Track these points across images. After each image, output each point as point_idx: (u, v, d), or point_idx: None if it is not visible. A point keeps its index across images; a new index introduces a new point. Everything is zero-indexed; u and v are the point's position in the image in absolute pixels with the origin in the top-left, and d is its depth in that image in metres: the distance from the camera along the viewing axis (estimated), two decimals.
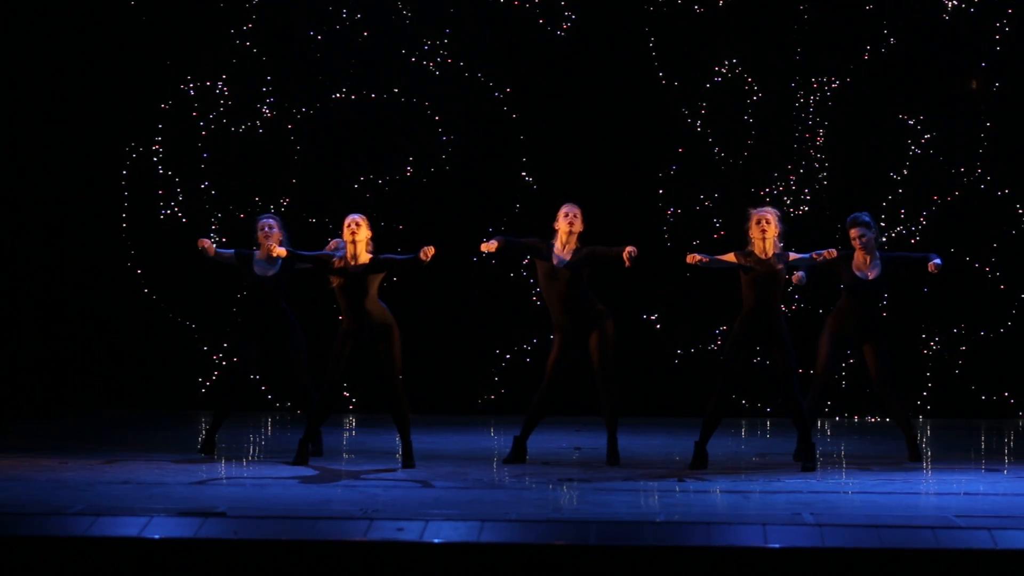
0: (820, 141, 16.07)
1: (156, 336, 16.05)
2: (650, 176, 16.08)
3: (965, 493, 9.80)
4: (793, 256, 11.04)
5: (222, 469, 10.81)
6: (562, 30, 16.18)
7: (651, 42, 16.15)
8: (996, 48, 16.03)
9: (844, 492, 9.79)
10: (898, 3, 16.09)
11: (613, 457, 11.26)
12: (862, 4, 16.04)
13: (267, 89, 16.14)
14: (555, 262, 11.26)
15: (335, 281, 11.07)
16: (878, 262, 11.61)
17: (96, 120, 15.92)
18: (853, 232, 11.63)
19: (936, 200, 16.04)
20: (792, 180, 16.05)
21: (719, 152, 16.10)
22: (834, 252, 11.15)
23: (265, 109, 16.14)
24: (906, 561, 7.32)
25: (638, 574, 7.35)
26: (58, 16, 15.66)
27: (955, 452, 12.67)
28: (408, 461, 10.99)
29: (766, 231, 10.91)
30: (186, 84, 16.08)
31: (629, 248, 11.16)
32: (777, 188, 16.01)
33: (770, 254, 10.91)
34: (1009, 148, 16.05)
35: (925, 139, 16.04)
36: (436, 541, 7.46)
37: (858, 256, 11.63)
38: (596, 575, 7.37)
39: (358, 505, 8.65)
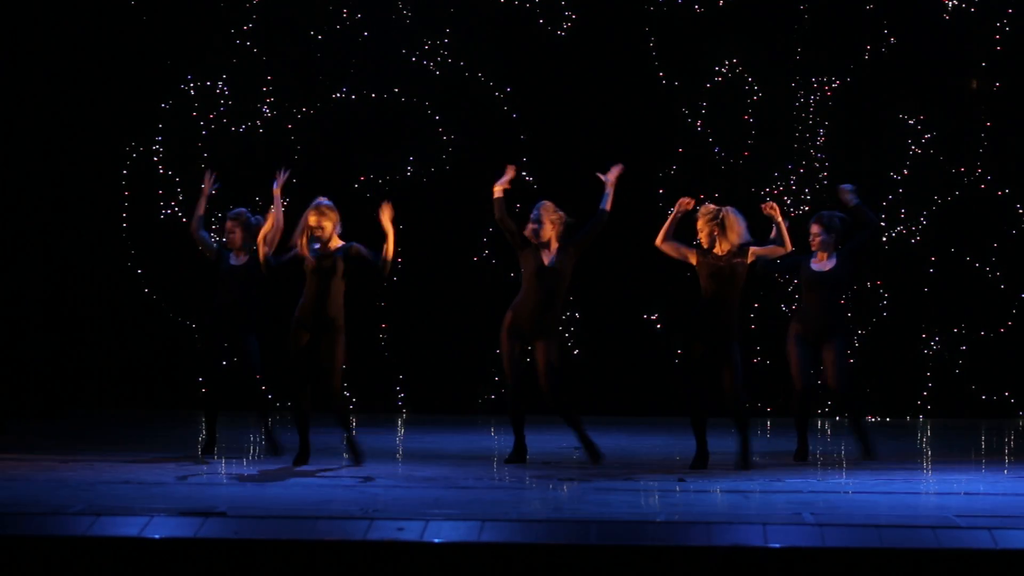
0: (820, 141, 16.07)
1: (156, 336, 16.06)
2: (650, 176, 16.08)
3: (965, 493, 9.80)
4: (756, 249, 10.92)
5: (222, 469, 10.81)
6: (562, 30, 16.18)
7: (651, 42, 16.15)
8: (996, 48, 16.03)
9: (844, 492, 9.79)
10: (898, 3, 16.09)
11: (595, 457, 11.17)
12: (862, 4, 16.04)
13: (267, 89, 16.14)
14: (545, 260, 11.15)
15: (309, 263, 10.88)
16: (835, 257, 11.55)
17: (96, 120, 15.92)
18: (812, 228, 11.59)
19: (936, 200, 16.05)
20: (792, 180, 16.04)
21: (719, 152, 16.10)
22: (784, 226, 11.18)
23: (265, 109, 16.14)
24: (906, 561, 7.32)
25: (638, 574, 7.34)
26: (58, 16, 15.66)
27: (955, 452, 12.67)
28: (357, 459, 10.93)
29: (717, 242, 10.84)
30: (186, 84, 16.08)
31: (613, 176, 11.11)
32: (777, 188, 16.01)
33: (725, 251, 10.85)
34: (1009, 148, 16.05)
35: (925, 139, 16.05)
36: (436, 541, 7.45)
37: (818, 253, 11.58)
38: (596, 575, 7.36)
39: (358, 505, 8.65)
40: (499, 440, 13.34)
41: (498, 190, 11.27)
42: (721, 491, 9.70)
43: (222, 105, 16.12)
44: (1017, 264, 16.00)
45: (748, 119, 16.08)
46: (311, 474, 10.43)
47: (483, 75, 16.17)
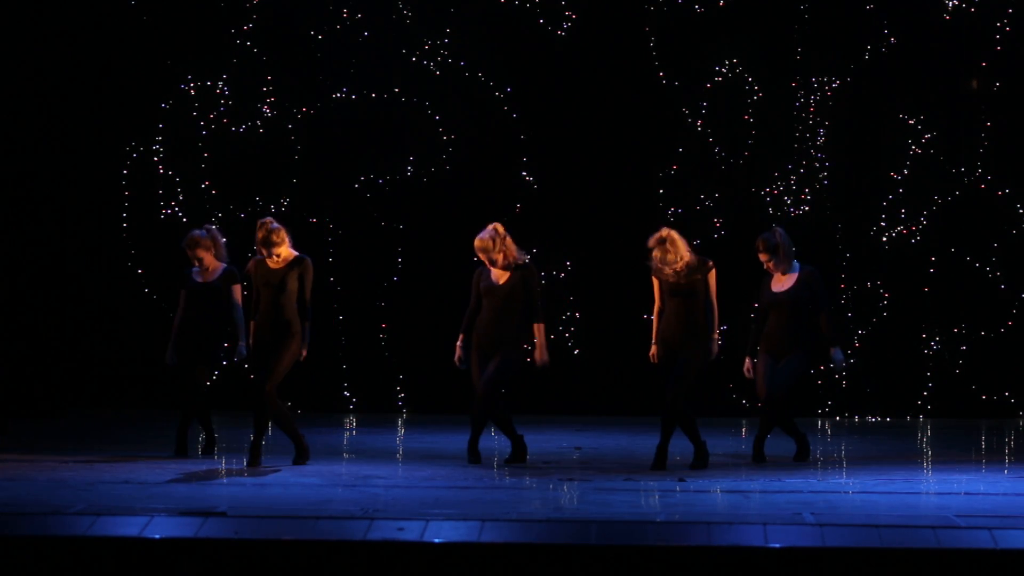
0: (820, 141, 16.07)
1: (156, 336, 16.05)
2: (650, 176, 16.08)
3: (966, 493, 9.80)
4: (713, 278, 10.94)
5: (222, 469, 10.81)
6: (562, 30, 16.18)
7: (651, 42, 16.15)
8: (996, 48, 16.03)
9: (844, 492, 9.79)
10: (898, 3, 16.09)
11: (521, 455, 11.27)
12: (862, 4, 16.04)
13: (267, 89, 16.14)
14: (492, 280, 11.24)
15: (257, 275, 10.87)
16: (794, 274, 11.53)
17: (96, 120, 15.92)
18: (761, 257, 11.59)
19: (936, 200, 16.05)
20: (792, 180, 16.04)
21: (719, 152, 16.10)
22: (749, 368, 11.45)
23: (265, 109, 16.14)
24: (906, 561, 7.32)
25: (638, 574, 7.34)
26: (59, 16, 15.66)
27: (955, 452, 12.67)
28: (255, 461, 10.83)
29: (664, 268, 10.89)
30: (186, 84, 16.08)
31: (540, 360, 11.13)
32: (777, 188, 16.01)
33: (682, 265, 10.90)
34: (1009, 148, 16.04)
35: (925, 139, 16.04)
36: (436, 541, 7.46)
37: (775, 275, 11.57)
38: (596, 575, 7.37)
39: (358, 505, 8.65)
40: (499, 440, 13.33)
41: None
42: (721, 491, 9.70)
43: (222, 105, 16.12)
44: (1017, 264, 16.00)
45: (748, 119, 16.08)
46: (311, 474, 10.43)
47: (483, 75, 16.17)
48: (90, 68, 15.88)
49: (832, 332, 11.46)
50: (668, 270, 10.94)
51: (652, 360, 11.15)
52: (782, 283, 11.51)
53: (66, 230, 15.84)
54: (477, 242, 11.29)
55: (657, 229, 11.13)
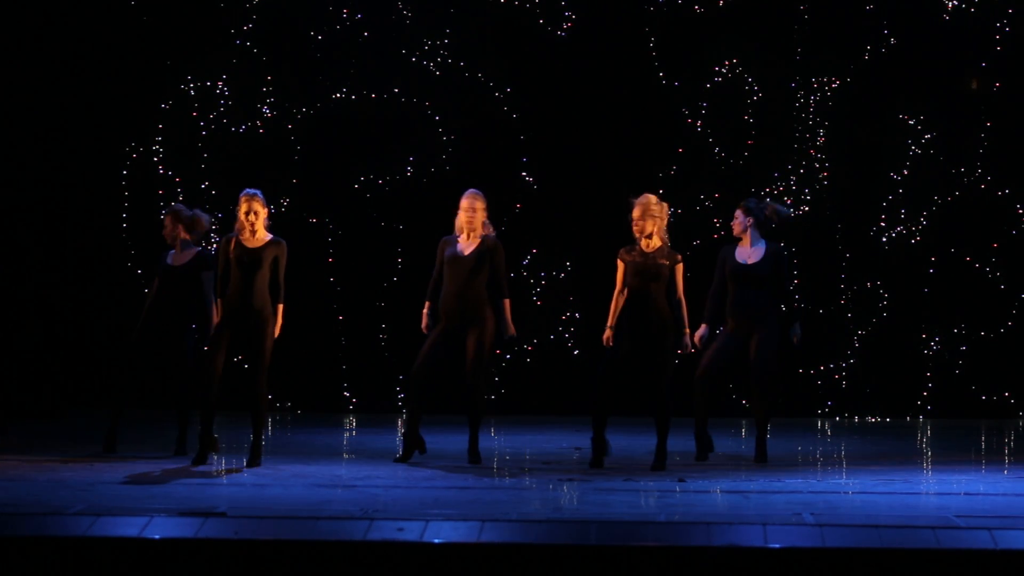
0: (820, 141, 16.07)
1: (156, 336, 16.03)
2: (650, 176, 16.08)
3: (965, 493, 9.80)
4: (680, 273, 10.89)
5: (222, 469, 10.80)
6: (562, 30, 16.18)
7: (651, 42, 16.15)
8: (996, 48, 16.04)
9: (844, 492, 9.79)
10: (898, 3, 16.09)
11: (475, 456, 11.22)
12: (862, 4, 16.04)
13: (267, 89, 16.14)
14: (458, 249, 11.21)
15: (231, 252, 10.71)
16: (762, 248, 11.49)
17: (96, 120, 15.92)
18: (737, 214, 11.55)
19: (936, 200, 16.05)
20: (792, 180, 16.05)
21: (719, 152, 16.10)
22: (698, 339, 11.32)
23: (265, 109, 16.14)
24: (906, 561, 7.32)
25: (638, 574, 7.35)
26: (58, 16, 15.66)
27: (955, 452, 12.67)
28: (255, 460, 10.78)
29: (643, 230, 10.85)
30: (186, 84, 16.08)
31: (510, 334, 11.13)
32: (777, 188, 16.01)
33: (654, 248, 10.85)
34: (1009, 148, 16.05)
35: (925, 139, 16.05)
36: (436, 541, 7.46)
37: (743, 241, 11.52)
38: (596, 575, 7.37)
39: (358, 505, 8.65)
40: (499, 440, 13.34)
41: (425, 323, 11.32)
42: (721, 491, 9.70)
43: (222, 105, 16.12)
44: (1017, 264, 16.00)
45: (748, 119, 16.08)
46: (311, 474, 10.42)
47: (483, 75, 16.17)
48: (90, 68, 15.88)
49: (793, 310, 11.47)
50: (636, 231, 10.84)
51: (605, 344, 10.97)
52: (749, 255, 11.48)
53: (66, 230, 15.84)
54: (470, 199, 11.24)
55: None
